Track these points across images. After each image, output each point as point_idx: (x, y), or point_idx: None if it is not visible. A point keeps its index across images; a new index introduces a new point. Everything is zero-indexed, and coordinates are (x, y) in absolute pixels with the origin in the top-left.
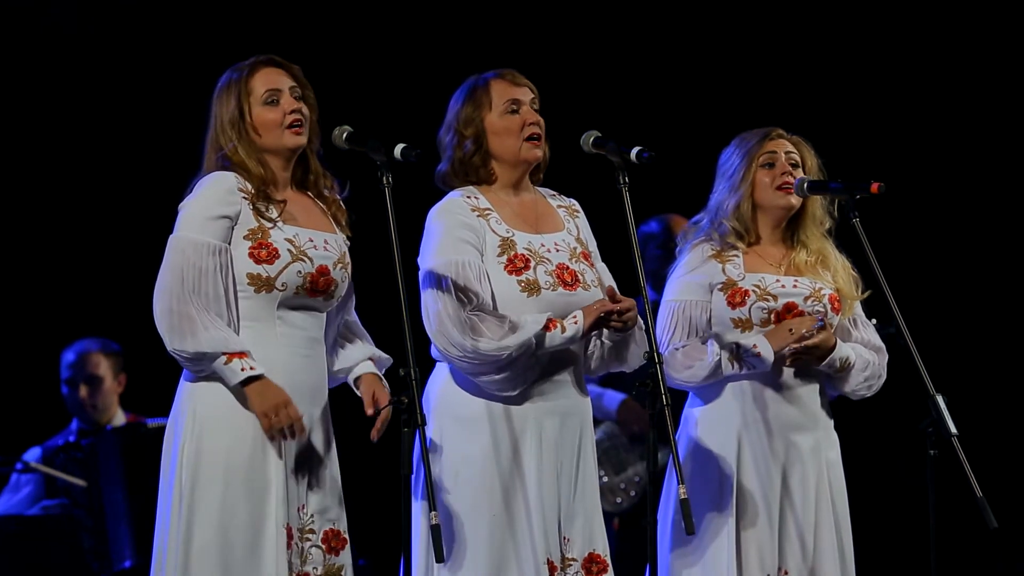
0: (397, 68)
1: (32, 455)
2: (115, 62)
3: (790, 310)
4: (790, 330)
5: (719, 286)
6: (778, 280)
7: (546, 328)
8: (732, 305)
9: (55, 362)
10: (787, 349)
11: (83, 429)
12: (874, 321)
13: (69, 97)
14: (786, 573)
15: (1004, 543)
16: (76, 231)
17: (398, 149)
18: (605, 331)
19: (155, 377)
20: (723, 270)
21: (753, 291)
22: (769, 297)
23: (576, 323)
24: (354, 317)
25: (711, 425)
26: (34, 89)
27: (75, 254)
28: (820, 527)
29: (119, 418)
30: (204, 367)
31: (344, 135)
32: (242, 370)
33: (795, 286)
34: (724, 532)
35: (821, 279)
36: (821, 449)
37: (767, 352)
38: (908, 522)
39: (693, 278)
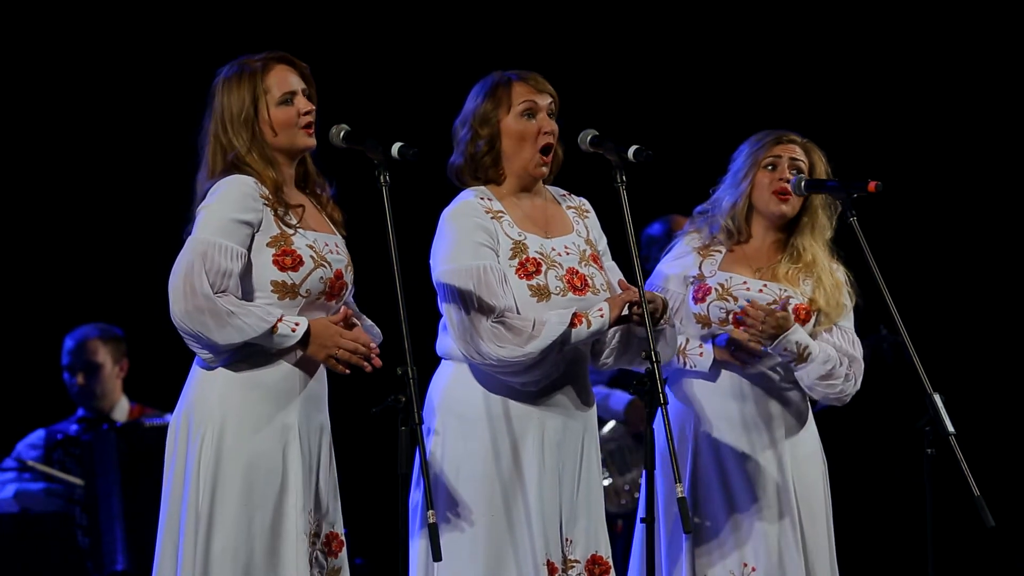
0: (394, 66)
1: (36, 437)
2: (111, 53)
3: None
4: (735, 348)
5: (691, 279)
6: (745, 282)
7: (571, 325)
8: (695, 300)
9: (61, 348)
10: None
11: (87, 417)
12: (883, 329)
13: (69, 86)
14: (753, 569)
15: (1001, 542)
16: (85, 217)
17: (395, 148)
18: (634, 328)
19: (161, 366)
20: (699, 264)
21: (716, 289)
22: (729, 298)
23: (602, 316)
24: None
25: (673, 417)
26: (35, 79)
27: (83, 241)
28: (784, 522)
29: (123, 406)
30: (252, 346)
31: (341, 134)
32: (292, 331)
33: (761, 291)
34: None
35: (796, 288)
36: (784, 444)
37: (708, 356)
38: (905, 521)
39: (672, 269)
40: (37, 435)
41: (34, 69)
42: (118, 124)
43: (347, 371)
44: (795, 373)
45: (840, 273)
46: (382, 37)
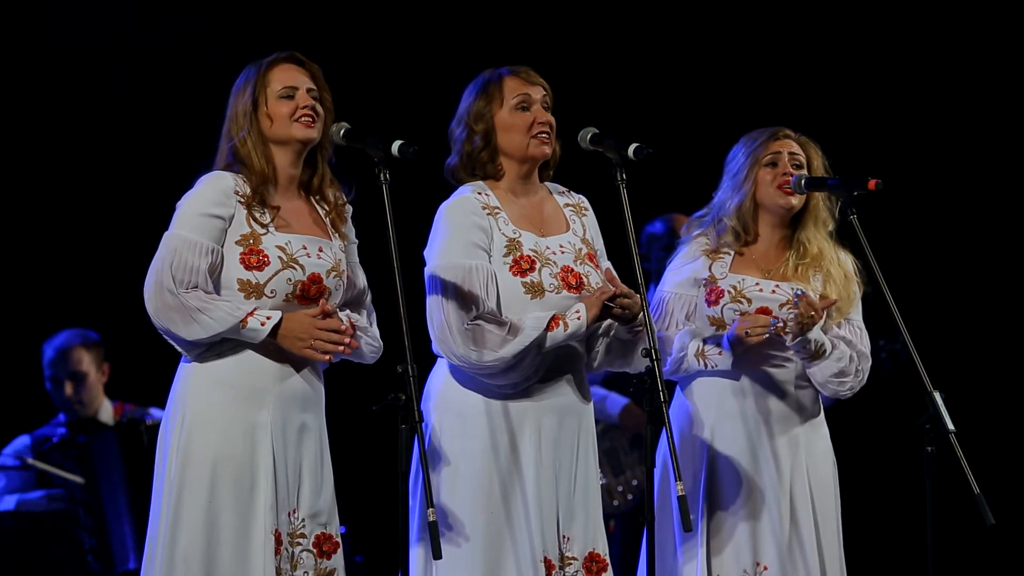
0: (394, 65)
1: (21, 443)
2: (101, 55)
3: (763, 315)
4: (746, 333)
5: (703, 282)
6: (758, 284)
7: (548, 328)
8: (708, 303)
9: (38, 349)
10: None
11: (72, 421)
12: (881, 340)
13: (49, 92)
14: (765, 568)
15: (1001, 539)
16: (58, 218)
17: (395, 146)
18: (616, 328)
19: (138, 363)
20: (709, 267)
21: (728, 292)
22: (743, 300)
23: (579, 318)
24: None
25: (686, 418)
26: (15, 84)
27: (57, 241)
28: (798, 521)
29: (106, 408)
30: (229, 342)
31: (341, 131)
32: (262, 324)
33: (774, 291)
34: (695, 526)
35: (807, 286)
36: (800, 443)
37: (727, 350)
38: (905, 519)
39: (683, 273)
40: (22, 441)
41: (13, 75)
42: (92, 130)
43: (328, 359)
44: (807, 370)
45: (848, 263)
46: (382, 36)
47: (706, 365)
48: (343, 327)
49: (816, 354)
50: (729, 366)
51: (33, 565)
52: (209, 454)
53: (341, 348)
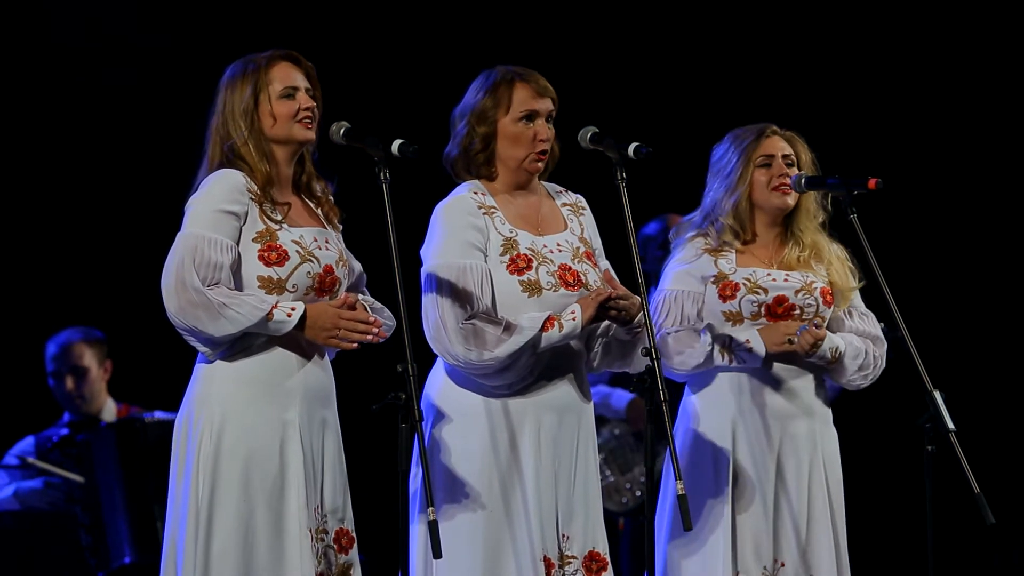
0: (394, 64)
1: (26, 444)
2: (98, 55)
3: (780, 303)
4: (789, 340)
5: (711, 279)
6: (769, 274)
7: (543, 328)
8: (723, 298)
9: (42, 352)
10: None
11: (75, 421)
12: (882, 325)
13: (49, 92)
14: (783, 565)
15: (1001, 538)
16: (59, 219)
17: (395, 145)
18: (615, 329)
19: (144, 365)
20: (715, 263)
21: (743, 284)
22: (760, 290)
23: (574, 319)
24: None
25: (706, 416)
26: (15, 84)
27: (61, 242)
28: (814, 518)
29: (109, 408)
30: (250, 339)
31: (342, 131)
32: (288, 316)
33: (786, 280)
34: (720, 524)
35: (814, 273)
36: (817, 440)
37: (759, 349)
38: (905, 518)
39: (687, 270)
40: (27, 442)
41: (13, 75)
42: (93, 128)
43: (354, 346)
44: (833, 375)
45: (841, 251)
46: (382, 35)
47: (732, 361)
48: (371, 318)
49: (834, 359)
50: (759, 363)
51: (33, 565)
52: (241, 452)
53: (370, 336)
